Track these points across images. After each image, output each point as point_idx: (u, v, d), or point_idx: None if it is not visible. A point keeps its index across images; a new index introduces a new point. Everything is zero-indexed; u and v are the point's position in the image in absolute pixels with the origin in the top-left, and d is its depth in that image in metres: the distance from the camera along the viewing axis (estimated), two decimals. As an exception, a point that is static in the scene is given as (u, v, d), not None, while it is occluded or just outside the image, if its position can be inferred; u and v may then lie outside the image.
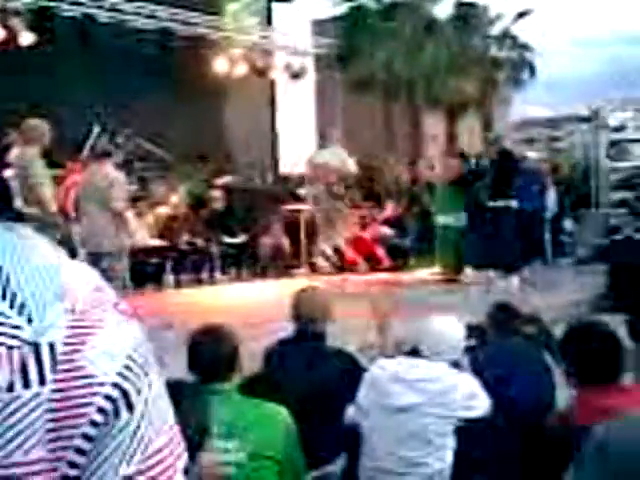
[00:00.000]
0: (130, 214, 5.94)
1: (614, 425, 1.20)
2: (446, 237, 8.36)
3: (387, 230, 9.68)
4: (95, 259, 5.31)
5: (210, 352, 2.24)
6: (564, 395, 2.70)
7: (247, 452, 2.10)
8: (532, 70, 13.18)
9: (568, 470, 1.37)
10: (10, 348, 0.44)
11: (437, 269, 8.65)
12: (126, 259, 5.90)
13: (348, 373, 2.84)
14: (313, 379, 2.77)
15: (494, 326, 3.13)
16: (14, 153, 5.75)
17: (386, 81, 11.51)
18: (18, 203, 7.52)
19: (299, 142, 11.39)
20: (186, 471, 0.51)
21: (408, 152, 12.14)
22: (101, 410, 0.46)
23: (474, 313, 4.21)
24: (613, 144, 11.10)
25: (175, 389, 1.50)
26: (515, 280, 7.68)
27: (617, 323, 5.16)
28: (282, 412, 2.24)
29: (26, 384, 0.44)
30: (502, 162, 8.07)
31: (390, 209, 10.10)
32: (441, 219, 8.48)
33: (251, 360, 3.16)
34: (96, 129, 7.30)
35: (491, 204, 7.86)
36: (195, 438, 1.42)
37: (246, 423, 2.15)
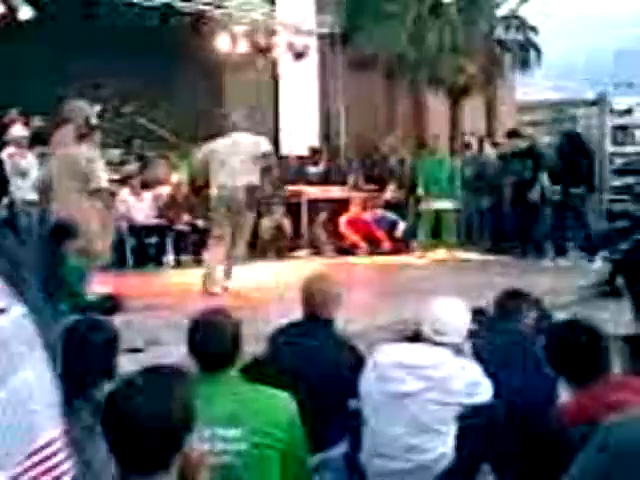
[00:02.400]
0: (106, 185, 5.69)
1: (623, 424, 1.14)
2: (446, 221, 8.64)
3: (388, 212, 9.62)
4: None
5: (211, 341, 2.17)
6: (564, 383, 2.66)
7: (248, 440, 2.07)
8: (538, 52, 13.02)
9: (570, 467, 1.30)
10: None
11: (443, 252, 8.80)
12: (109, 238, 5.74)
13: (354, 358, 2.82)
14: (319, 363, 2.75)
15: (499, 311, 3.08)
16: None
17: (389, 61, 11.36)
18: (27, 184, 7.31)
19: (301, 122, 11.27)
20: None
21: (411, 132, 12.03)
22: None
23: (477, 296, 4.19)
24: (618, 128, 10.99)
25: (163, 374, 1.46)
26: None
27: (621, 308, 5.16)
28: (284, 397, 2.19)
29: None
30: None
31: (392, 191, 10.00)
32: (437, 204, 8.61)
33: (251, 342, 3.13)
34: (97, 108, 7.19)
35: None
36: (183, 425, 1.38)
37: (247, 410, 2.11)
